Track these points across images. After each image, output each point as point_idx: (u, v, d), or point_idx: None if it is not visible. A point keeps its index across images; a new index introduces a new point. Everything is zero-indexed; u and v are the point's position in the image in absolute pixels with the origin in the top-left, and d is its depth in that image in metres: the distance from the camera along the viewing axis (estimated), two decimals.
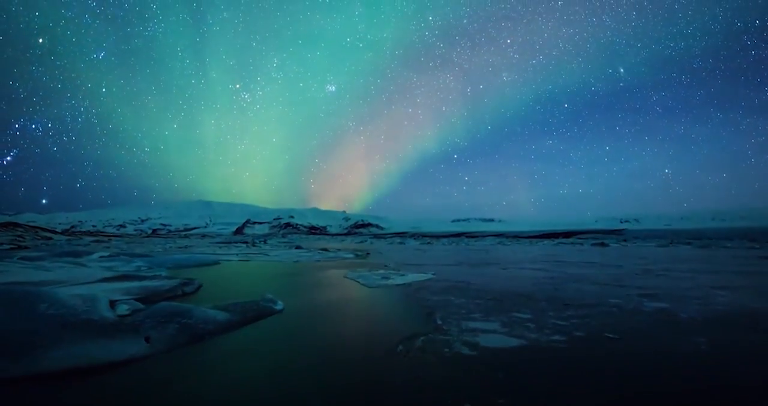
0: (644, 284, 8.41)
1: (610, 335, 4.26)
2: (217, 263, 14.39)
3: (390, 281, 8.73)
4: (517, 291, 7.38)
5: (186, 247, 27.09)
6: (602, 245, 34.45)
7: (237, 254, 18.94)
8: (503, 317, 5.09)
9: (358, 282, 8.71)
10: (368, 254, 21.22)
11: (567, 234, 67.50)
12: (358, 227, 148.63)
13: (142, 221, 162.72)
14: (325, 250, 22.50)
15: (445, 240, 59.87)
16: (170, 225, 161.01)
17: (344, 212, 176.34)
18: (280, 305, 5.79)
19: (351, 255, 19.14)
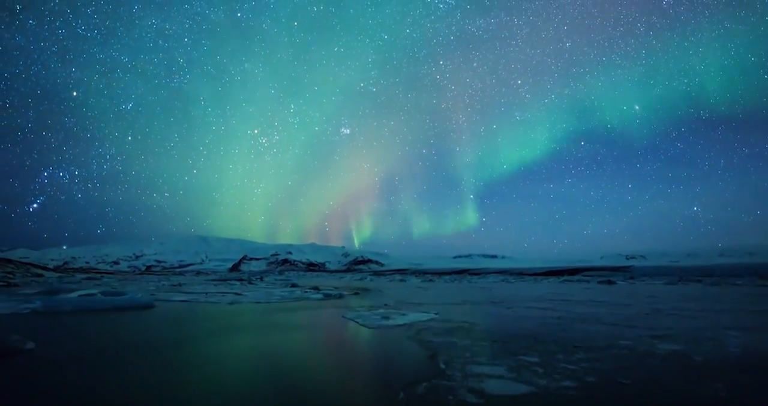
0: (655, 325, 8.08)
1: (623, 381, 4.03)
2: (149, 306, 11.78)
3: (390, 321, 8.42)
4: (524, 332, 7.08)
5: (178, 284, 26.42)
6: (609, 282, 33.57)
7: (206, 294, 16.70)
8: (510, 361, 4.85)
9: (357, 322, 8.39)
10: (357, 293, 19.30)
11: (572, 271, 66.02)
12: (357, 264, 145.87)
13: (137, 257, 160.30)
14: (316, 288, 20.10)
15: (447, 277, 58.45)
16: (165, 261, 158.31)
17: (343, 247, 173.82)
18: None
19: (319, 296, 16.26)
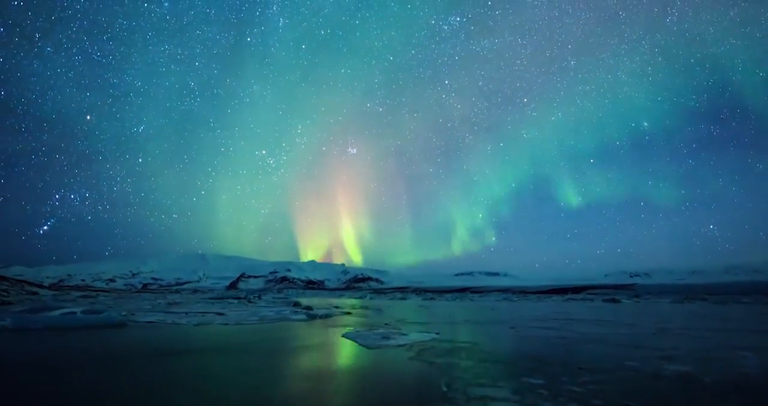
0: (662, 345, 7.88)
1: (630, 404, 3.90)
2: (121, 325, 11.43)
3: (391, 341, 8.22)
4: (528, 353, 6.91)
5: (174, 303, 25.93)
6: (614, 301, 32.97)
7: (186, 314, 15.98)
8: (514, 383, 4.71)
9: (356, 342, 8.20)
10: (349, 312, 18.08)
11: (576, 289, 64.93)
12: (357, 281, 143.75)
13: (133, 274, 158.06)
14: (309, 308, 19.08)
15: (448, 296, 57.46)
16: (162, 279, 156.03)
17: (343, 265, 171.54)
18: None
19: (303, 316, 15.24)
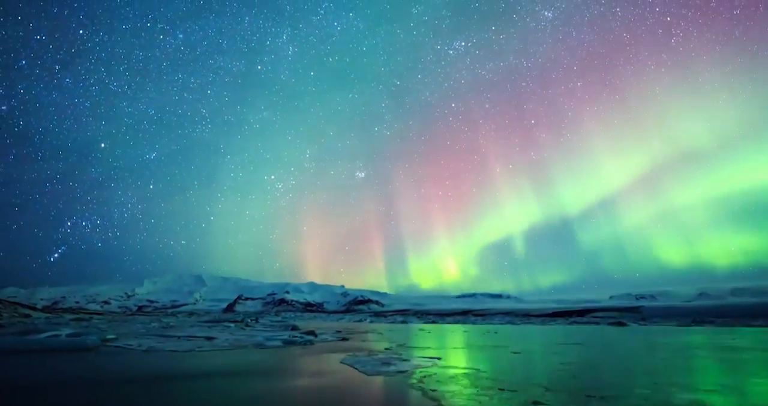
0: (672, 371, 7.61)
1: None
2: (84, 348, 10.80)
3: (391, 367, 7.94)
4: (533, 379, 6.66)
5: (167, 326, 25.20)
6: (620, 324, 32.15)
7: (178, 338, 15.35)
8: None
9: (356, 369, 7.92)
10: (345, 338, 16.64)
11: (581, 312, 63.36)
12: (357, 304, 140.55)
13: (129, 296, 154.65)
14: (307, 332, 17.81)
15: (450, 319, 56.03)
16: (157, 301, 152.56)
17: (342, 286, 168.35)
18: None
19: (299, 341, 14.49)
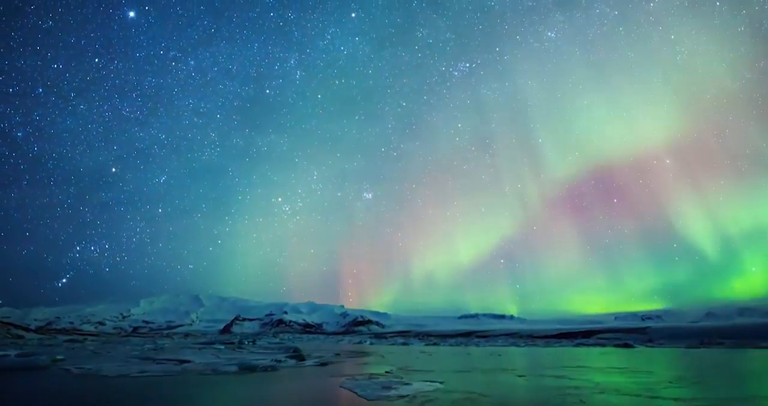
0: (681, 395, 7.38)
1: None
2: (34, 368, 10.75)
3: (392, 392, 7.72)
4: (539, 405, 6.46)
5: (159, 348, 24.47)
6: (626, 346, 31.34)
7: (154, 360, 14.35)
8: None
9: (355, 393, 7.69)
10: (324, 364, 14.69)
11: (586, 333, 61.78)
12: (356, 325, 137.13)
13: (124, 317, 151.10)
14: (302, 357, 16.56)
15: (452, 340, 54.62)
16: (153, 322, 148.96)
17: (342, 306, 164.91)
18: None
19: (295, 363, 13.69)
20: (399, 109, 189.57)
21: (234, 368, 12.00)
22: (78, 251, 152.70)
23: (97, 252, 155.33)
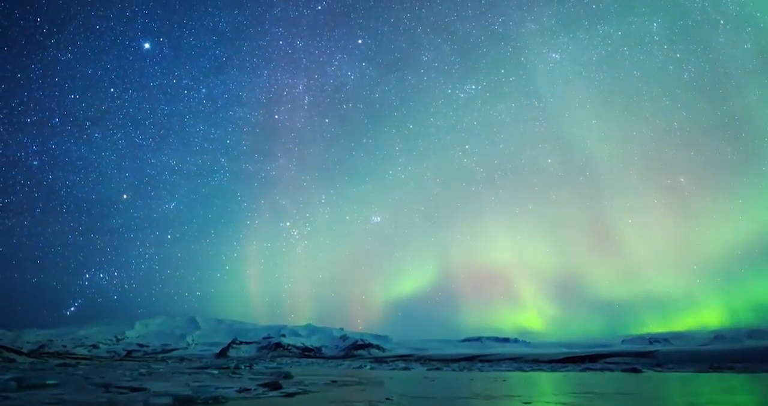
0: None
1: None
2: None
3: None
4: None
5: (149, 373, 23.68)
6: (634, 370, 30.48)
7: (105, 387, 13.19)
8: None
9: None
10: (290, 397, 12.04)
11: (593, 357, 60.07)
12: (356, 348, 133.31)
13: (118, 340, 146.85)
14: (288, 376, 15.32)
15: (455, 365, 53.00)
16: (148, 346, 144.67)
17: (341, 329, 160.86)
18: None
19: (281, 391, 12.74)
20: (406, 132, 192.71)
21: (169, 400, 10.06)
22: (87, 279, 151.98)
23: (105, 279, 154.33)
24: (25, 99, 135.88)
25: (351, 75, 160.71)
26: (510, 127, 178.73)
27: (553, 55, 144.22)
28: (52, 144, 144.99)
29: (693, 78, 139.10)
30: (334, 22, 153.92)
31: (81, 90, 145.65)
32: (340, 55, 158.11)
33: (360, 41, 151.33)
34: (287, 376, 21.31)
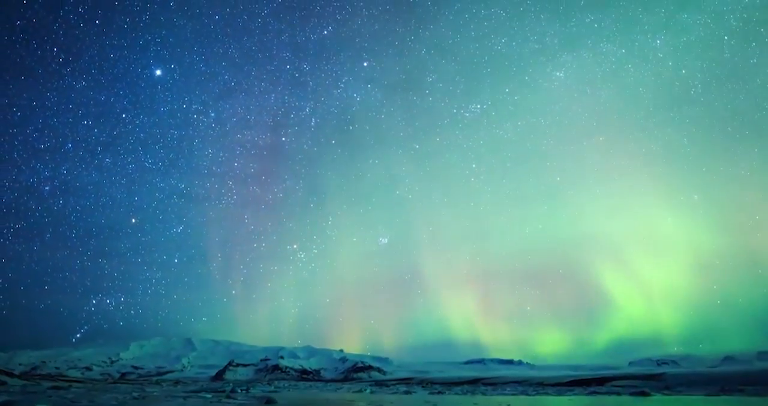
0: None
1: None
2: None
3: None
4: None
5: (140, 397, 22.99)
6: (643, 394, 29.69)
7: None
8: None
9: None
10: None
11: (600, 380, 58.31)
12: (356, 371, 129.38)
13: (112, 361, 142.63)
14: (270, 401, 14.77)
15: (458, 389, 51.58)
16: (142, 368, 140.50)
17: (341, 350, 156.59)
18: None
19: None
20: (412, 152, 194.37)
21: None
22: (94, 304, 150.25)
23: (112, 305, 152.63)
24: (40, 126, 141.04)
25: (357, 97, 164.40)
26: (517, 146, 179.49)
27: (557, 73, 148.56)
28: (64, 170, 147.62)
29: (700, 93, 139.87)
30: (340, 46, 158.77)
31: (94, 116, 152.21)
32: (346, 78, 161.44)
33: (365, 64, 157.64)
34: (269, 401, 20.11)
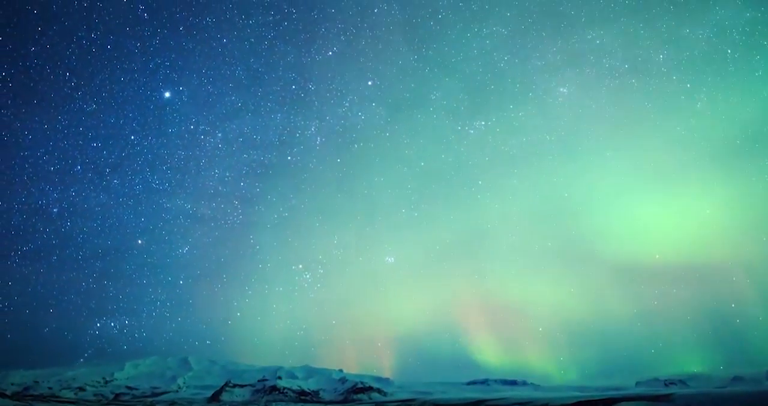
0: None
1: None
2: None
3: None
4: None
5: None
6: None
7: None
8: None
9: None
10: None
11: (608, 402, 56.98)
12: (356, 392, 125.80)
13: (106, 382, 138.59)
14: None
15: None
16: (137, 388, 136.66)
17: (341, 370, 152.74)
18: None
19: None
20: (418, 169, 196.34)
21: None
22: (98, 328, 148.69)
23: (116, 328, 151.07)
24: (50, 148, 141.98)
25: (362, 115, 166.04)
26: (523, 162, 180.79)
27: (561, 89, 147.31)
28: (73, 191, 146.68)
29: (706, 106, 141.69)
30: (345, 66, 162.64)
31: (103, 138, 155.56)
32: (351, 96, 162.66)
33: (370, 83, 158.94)
34: None
